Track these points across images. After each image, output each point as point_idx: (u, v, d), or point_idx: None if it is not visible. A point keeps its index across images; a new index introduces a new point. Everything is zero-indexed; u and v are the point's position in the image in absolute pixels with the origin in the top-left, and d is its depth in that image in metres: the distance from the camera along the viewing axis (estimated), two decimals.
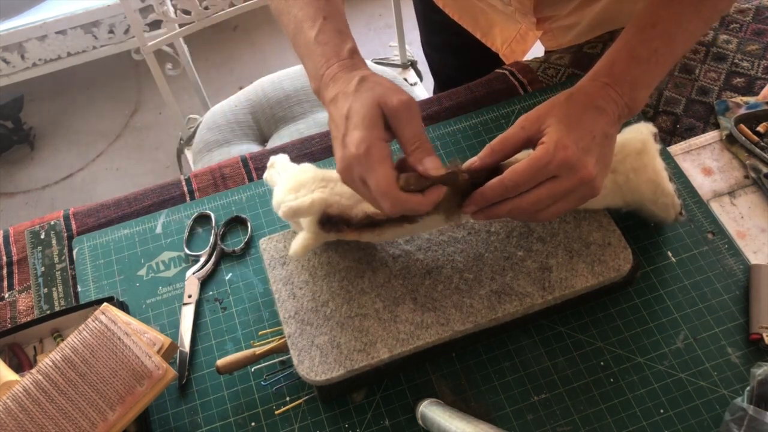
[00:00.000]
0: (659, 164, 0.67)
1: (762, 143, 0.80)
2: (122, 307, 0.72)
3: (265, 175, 0.75)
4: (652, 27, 0.64)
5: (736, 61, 0.89)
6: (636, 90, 0.63)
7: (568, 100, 0.62)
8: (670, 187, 0.67)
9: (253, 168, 0.85)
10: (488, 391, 0.67)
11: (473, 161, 0.62)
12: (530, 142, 0.61)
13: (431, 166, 0.56)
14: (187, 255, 0.78)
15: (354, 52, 0.63)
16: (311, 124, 1.37)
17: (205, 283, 0.76)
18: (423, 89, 1.51)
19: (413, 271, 0.68)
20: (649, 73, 0.64)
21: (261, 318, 0.73)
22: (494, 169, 0.61)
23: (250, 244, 0.78)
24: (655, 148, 0.68)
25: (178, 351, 0.70)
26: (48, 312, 0.75)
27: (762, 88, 0.86)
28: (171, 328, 0.73)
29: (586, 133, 0.59)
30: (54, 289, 0.77)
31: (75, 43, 2.10)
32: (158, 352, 0.64)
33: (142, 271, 0.77)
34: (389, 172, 0.56)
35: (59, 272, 0.78)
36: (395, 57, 1.55)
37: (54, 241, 0.80)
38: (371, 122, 0.56)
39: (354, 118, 0.57)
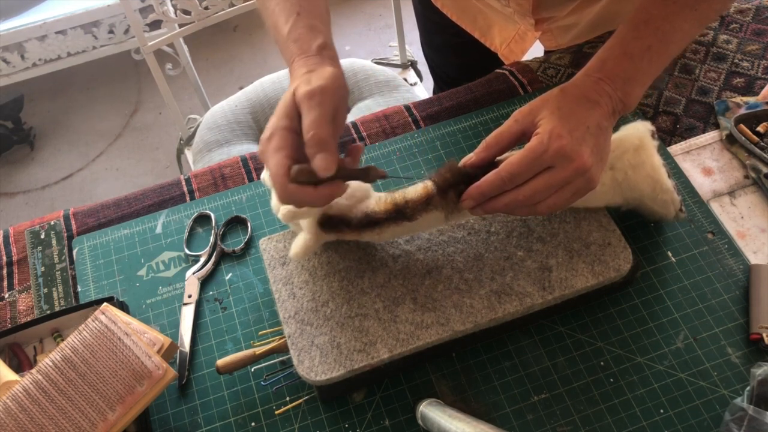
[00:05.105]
0: (657, 161, 0.67)
1: (762, 143, 0.80)
2: (122, 307, 0.72)
3: (263, 175, 0.75)
4: (646, 25, 0.64)
5: (736, 61, 0.89)
6: (629, 85, 0.63)
7: (560, 93, 0.62)
8: (669, 183, 0.67)
9: (253, 168, 0.85)
10: (488, 391, 0.67)
11: (469, 158, 0.62)
12: (524, 136, 0.61)
13: (320, 165, 0.55)
14: (187, 255, 0.78)
15: (323, 48, 0.63)
16: None
17: (205, 283, 0.76)
18: (423, 89, 1.51)
19: (413, 271, 0.68)
20: (642, 69, 0.64)
21: (261, 318, 0.73)
22: (490, 165, 0.61)
23: (250, 244, 0.78)
24: (652, 144, 0.68)
25: (178, 351, 0.70)
26: (48, 312, 0.75)
27: (762, 88, 0.86)
28: (171, 328, 0.73)
29: (579, 124, 0.59)
30: (54, 289, 0.77)
31: (75, 43, 2.10)
32: (158, 352, 0.64)
33: (142, 271, 0.77)
34: (281, 161, 0.56)
35: (59, 272, 0.78)
36: (395, 57, 1.55)
37: (54, 241, 0.80)
38: (281, 112, 0.58)
39: (277, 106, 0.59)
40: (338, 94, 0.58)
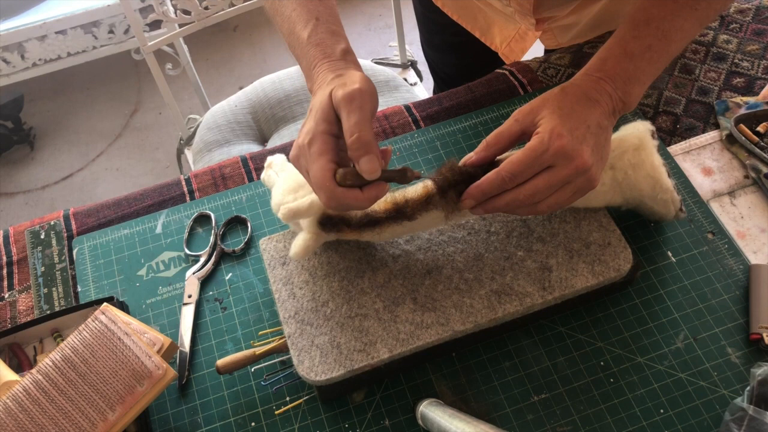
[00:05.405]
0: (657, 160, 0.67)
1: (762, 143, 0.80)
2: (122, 307, 0.72)
3: (263, 176, 0.75)
4: (646, 24, 0.64)
5: (736, 61, 0.89)
6: (630, 85, 0.63)
7: (561, 92, 0.62)
8: (668, 182, 0.67)
9: (253, 168, 0.85)
10: (488, 391, 0.67)
11: (470, 157, 0.63)
12: (525, 135, 0.61)
13: (366, 168, 0.55)
14: (187, 255, 0.78)
15: (346, 53, 0.63)
16: None
17: (205, 283, 0.76)
18: (423, 89, 1.51)
19: (413, 271, 0.68)
20: (642, 69, 0.64)
21: (261, 318, 0.73)
22: (490, 165, 0.61)
23: (250, 244, 0.78)
24: (652, 144, 0.68)
25: (178, 351, 0.70)
26: (48, 312, 0.75)
27: (762, 88, 0.86)
28: (171, 328, 0.73)
29: (580, 123, 0.59)
30: (54, 289, 0.77)
31: (75, 43, 2.10)
32: (158, 352, 0.64)
33: (142, 271, 0.77)
34: (326, 165, 0.56)
35: (59, 272, 0.78)
36: (395, 57, 1.55)
37: (54, 241, 0.80)
38: (320, 115, 0.57)
39: (312, 110, 0.58)
40: (374, 97, 0.58)
